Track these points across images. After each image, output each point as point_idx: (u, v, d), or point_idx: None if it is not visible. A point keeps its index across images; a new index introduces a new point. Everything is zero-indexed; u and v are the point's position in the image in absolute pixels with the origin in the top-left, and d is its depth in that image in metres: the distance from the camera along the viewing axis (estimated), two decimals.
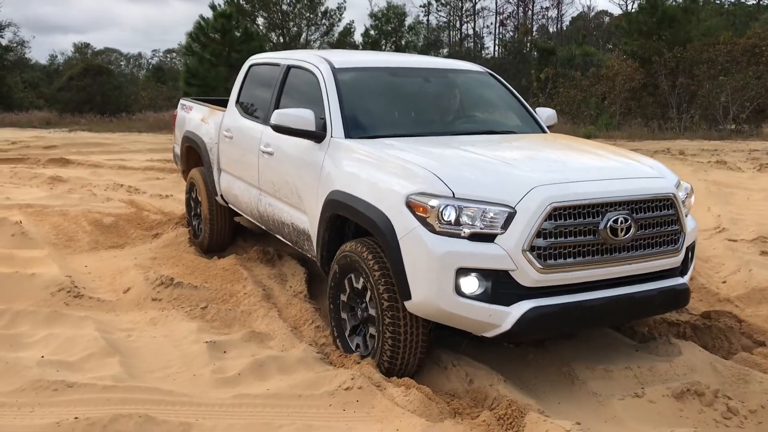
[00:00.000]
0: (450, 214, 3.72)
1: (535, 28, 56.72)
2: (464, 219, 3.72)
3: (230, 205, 6.59)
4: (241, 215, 6.54)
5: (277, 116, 4.84)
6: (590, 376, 4.16)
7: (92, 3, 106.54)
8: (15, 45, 41.42)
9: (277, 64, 5.95)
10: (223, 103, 6.80)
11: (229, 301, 5.36)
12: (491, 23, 58.09)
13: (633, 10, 36.66)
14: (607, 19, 59.72)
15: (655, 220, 4.04)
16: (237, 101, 6.40)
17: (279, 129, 4.87)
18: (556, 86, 29.53)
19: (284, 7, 40.87)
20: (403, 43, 44.05)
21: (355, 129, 4.80)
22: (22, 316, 4.82)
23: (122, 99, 38.40)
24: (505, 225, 3.69)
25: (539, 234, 3.68)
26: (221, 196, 6.63)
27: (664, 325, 5.16)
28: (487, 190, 3.79)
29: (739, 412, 3.75)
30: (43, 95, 40.90)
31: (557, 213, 3.72)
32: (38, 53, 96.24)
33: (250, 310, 5.10)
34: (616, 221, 3.82)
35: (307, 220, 4.92)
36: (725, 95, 24.11)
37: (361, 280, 4.21)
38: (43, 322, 4.77)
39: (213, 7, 31.14)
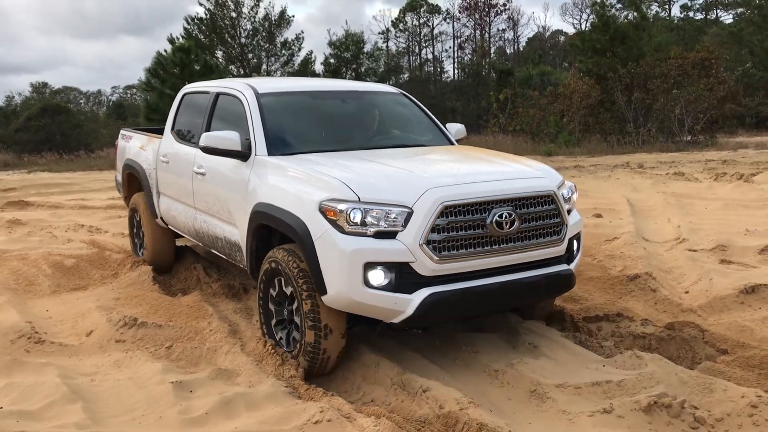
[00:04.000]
0: (356, 216, 4.20)
1: (492, 50, 57.69)
2: (369, 220, 4.20)
3: (170, 226, 6.93)
4: (182, 236, 6.86)
5: (206, 138, 5.27)
6: (559, 393, 4.17)
7: (43, 42, 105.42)
8: None
9: (207, 92, 6.40)
10: (161, 132, 7.12)
11: (195, 339, 5.27)
12: (450, 47, 58.92)
13: (586, 29, 37.51)
14: (562, 38, 61.05)
15: (537, 214, 4.55)
16: (172, 128, 6.81)
17: (208, 150, 5.30)
18: (515, 106, 30.00)
19: (242, 39, 40.96)
20: (363, 69, 44.41)
21: (277, 147, 5.26)
22: None
23: (82, 137, 37.98)
24: (405, 223, 4.19)
25: (434, 229, 4.18)
26: (161, 218, 6.97)
27: (630, 338, 5.22)
28: (388, 193, 4.28)
29: (706, 421, 3.79)
30: (1, 137, 40.22)
31: (448, 210, 4.22)
32: None
33: (216, 347, 5.02)
34: (501, 216, 4.34)
35: (238, 232, 5.32)
36: (679, 108, 24.74)
37: (285, 282, 4.66)
38: (2, 370, 4.64)
39: (171, 41, 31.15)
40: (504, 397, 4.26)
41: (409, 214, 4.18)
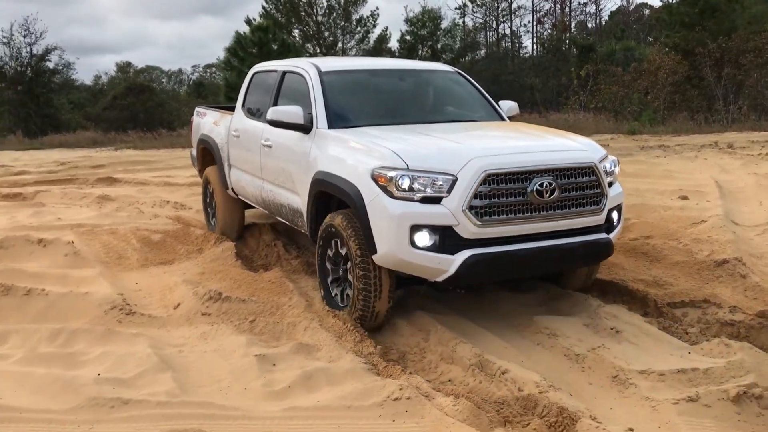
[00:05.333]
0: (404, 183, 4.57)
1: (573, 25, 56.00)
2: (416, 186, 4.56)
3: (239, 196, 7.42)
4: (252, 207, 7.37)
5: (272, 112, 5.75)
6: (642, 380, 4.09)
7: (125, 23, 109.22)
8: (61, 68, 42.59)
9: (275, 71, 6.86)
10: (232, 109, 7.61)
11: (276, 314, 5.41)
12: (528, 22, 57.15)
13: (674, 2, 35.94)
14: (647, 11, 58.59)
15: (578, 184, 4.81)
16: (243, 105, 7.28)
17: (274, 123, 5.77)
18: (597, 83, 29.12)
19: (318, 17, 41.22)
20: (439, 46, 43.93)
21: (336, 120, 5.66)
22: (77, 335, 4.96)
23: (165, 115, 39.17)
24: (449, 190, 4.52)
25: (476, 196, 4.51)
26: (232, 189, 7.46)
27: (718, 325, 5.05)
28: (435, 162, 4.62)
29: None
30: (89, 115, 41.98)
31: (491, 178, 4.53)
32: (82, 74, 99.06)
33: (296, 322, 5.14)
34: (541, 185, 4.62)
35: (300, 200, 5.77)
36: None
37: (340, 243, 5.10)
38: (97, 340, 4.89)
39: (249, 21, 31.68)
40: (584, 382, 4.21)
41: (454, 182, 4.52)
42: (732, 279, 6.03)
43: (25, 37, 39.81)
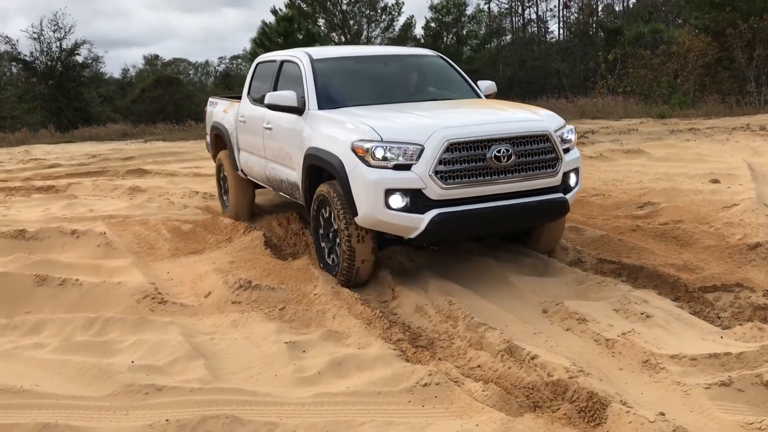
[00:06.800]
0: (379, 153, 5.21)
1: (600, 8, 55.22)
2: (389, 155, 5.20)
3: (248, 177, 8.03)
4: (261, 186, 7.93)
5: (269, 97, 6.44)
6: (674, 365, 4.05)
7: (150, 16, 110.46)
8: (90, 61, 43.05)
9: (274, 60, 7.59)
10: (240, 98, 8.24)
11: (305, 301, 5.46)
12: (554, 6, 56.73)
13: None
14: None
15: (533, 150, 5.40)
16: (248, 93, 7.96)
17: (271, 107, 6.45)
18: (625, 66, 28.70)
19: (344, 6, 41.16)
20: (464, 33, 43.62)
21: (326, 102, 6.30)
22: (111, 323, 5.05)
23: (193, 107, 39.41)
24: (418, 157, 5.16)
25: (441, 162, 5.13)
26: (241, 170, 8.08)
27: (751, 309, 4.98)
28: (406, 134, 5.27)
29: None
30: (118, 108, 42.43)
31: (453, 147, 5.15)
32: (110, 67, 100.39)
33: (325, 309, 5.18)
34: (499, 152, 5.21)
35: (296, 174, 6.42)
36: None
37: (329, 210, 5.75)
38: (131, 328, 4.98)
39: (275, 11, 31.76)
40: (614, 367, 4.19)
41: (422, 150, 5.14)
42: (765, 262, 5.94)
43: (54, 32, 40.21)
